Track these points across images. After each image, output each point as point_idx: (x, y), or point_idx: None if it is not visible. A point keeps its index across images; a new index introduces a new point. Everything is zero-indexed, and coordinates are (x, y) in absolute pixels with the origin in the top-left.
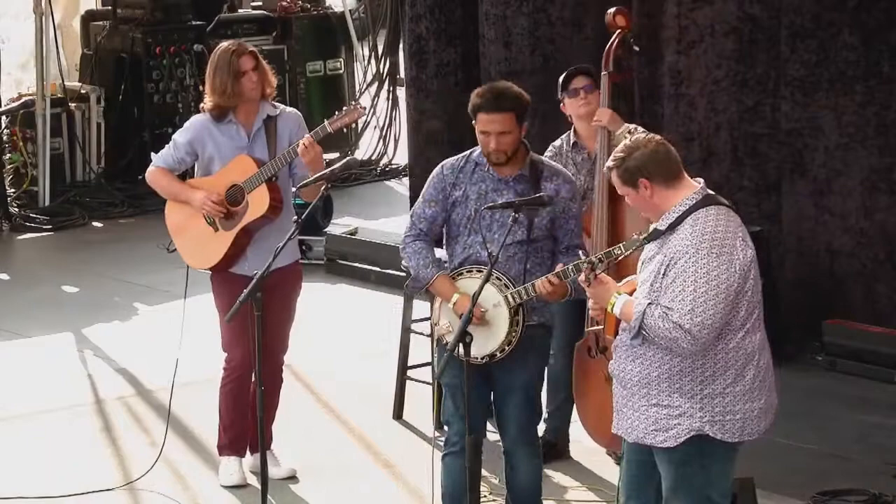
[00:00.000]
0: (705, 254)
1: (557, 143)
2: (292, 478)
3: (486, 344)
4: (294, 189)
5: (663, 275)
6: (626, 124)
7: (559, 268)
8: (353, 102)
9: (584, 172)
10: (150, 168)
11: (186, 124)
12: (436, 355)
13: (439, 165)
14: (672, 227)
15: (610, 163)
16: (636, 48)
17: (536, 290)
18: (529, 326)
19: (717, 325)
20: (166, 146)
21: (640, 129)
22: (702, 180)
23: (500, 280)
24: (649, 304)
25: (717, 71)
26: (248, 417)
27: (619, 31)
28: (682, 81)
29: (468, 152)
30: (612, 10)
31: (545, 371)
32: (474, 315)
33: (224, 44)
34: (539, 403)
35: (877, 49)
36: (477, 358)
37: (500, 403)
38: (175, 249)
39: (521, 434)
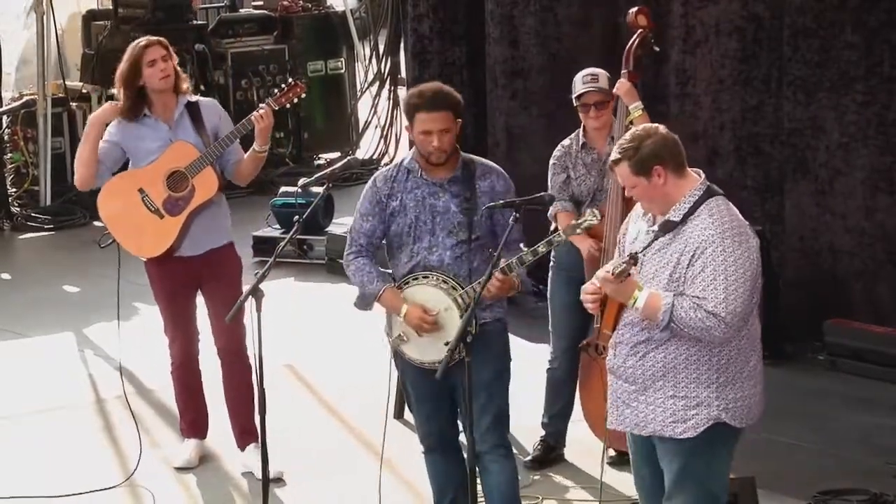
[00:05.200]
0: (730, 242)
1: (566, 142)
2: (279, 479)
3: (440, 349)
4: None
5: (688, 265)
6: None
7: (503, 263)
8: (295, 79)
9: (595, 173)
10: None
11: (107, 131)
12: (393, 366)
13: (371, 178)
14: (685, 218)
15: (617, 154)
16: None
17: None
18: (484, 324)
19: (747, 311)
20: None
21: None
22: (701, 171)
23: (448, 283)
24: (676, 295)
25: (721, 70)
26: (199, 401)
27: (640, 30)
28: (688, 80)
29: (399, 161)
30: (633, 9)
31: (510, 368)
32: (425, 321)
33: (138, 39)
34: (506, 401)
35: (878, 48)
36: (435, 362)
37: (467, 404)
38: (110, 244)
39: (489, 435)
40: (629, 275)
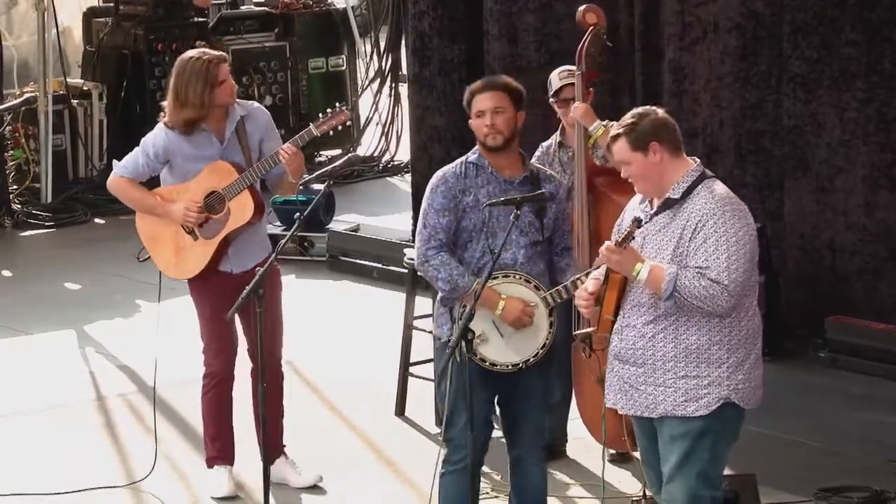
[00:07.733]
0: (730, 216)
1: (546, 143)
2: (317, 486)
3: (524, 348)
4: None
5: (690, 238)
6: (600, 120)
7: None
8: (339, 105)
9: (570, 171)
10: (115, 178)
11: (155, 134)
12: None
13: (439, 175)
14: (684, 196)
15: (618, 129)
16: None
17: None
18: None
19: (748, 282)
20: (132, 153)
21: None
22: (696, 158)
23: (531, 282)
24: (679, 268)
25: (720, 67)
26: (231, 424)
27: (591, 28)
28: (686, 77)
29: (463, 158)
30: (582, 7)
31: None
32: (527, 314)
33: (192, 52)
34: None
35: (879, 46)
36: (513, 365)
37: (517, 409)
38: (147, 258)
39: (537, 439)
40: (633, 238)
